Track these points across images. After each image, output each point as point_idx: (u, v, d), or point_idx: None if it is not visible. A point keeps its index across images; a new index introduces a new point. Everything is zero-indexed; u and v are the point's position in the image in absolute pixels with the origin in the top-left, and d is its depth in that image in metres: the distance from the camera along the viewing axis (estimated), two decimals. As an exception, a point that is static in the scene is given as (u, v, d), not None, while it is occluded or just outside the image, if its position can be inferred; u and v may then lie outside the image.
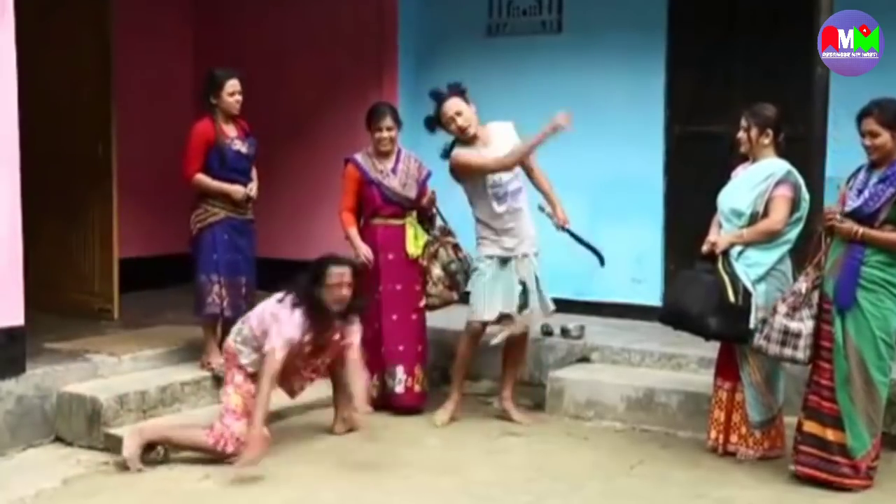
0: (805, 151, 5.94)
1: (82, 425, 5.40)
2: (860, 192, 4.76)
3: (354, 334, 5.32)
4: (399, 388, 5.98)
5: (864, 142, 4.78)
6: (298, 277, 5.17)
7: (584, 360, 6.51)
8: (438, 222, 6.24)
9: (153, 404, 5.50)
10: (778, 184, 5.07)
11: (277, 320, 5.05)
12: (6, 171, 5.26)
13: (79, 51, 6.94)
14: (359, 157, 6.09)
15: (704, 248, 5.18)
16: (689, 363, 6.25)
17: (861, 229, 4.66)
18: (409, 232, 6.06)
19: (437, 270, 6.00)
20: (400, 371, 5.97)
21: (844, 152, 6.18)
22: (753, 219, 5.10)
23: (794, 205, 5.11)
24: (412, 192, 6.08)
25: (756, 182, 5.12)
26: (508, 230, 5.78)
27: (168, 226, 7.49)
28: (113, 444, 5.26)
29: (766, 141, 5.16)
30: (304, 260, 5.47)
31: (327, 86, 8.11)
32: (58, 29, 6.90)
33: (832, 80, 5.76)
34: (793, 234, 5.15)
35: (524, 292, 5.79)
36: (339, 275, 5.13)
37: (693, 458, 5.31)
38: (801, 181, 5.18)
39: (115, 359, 5.89)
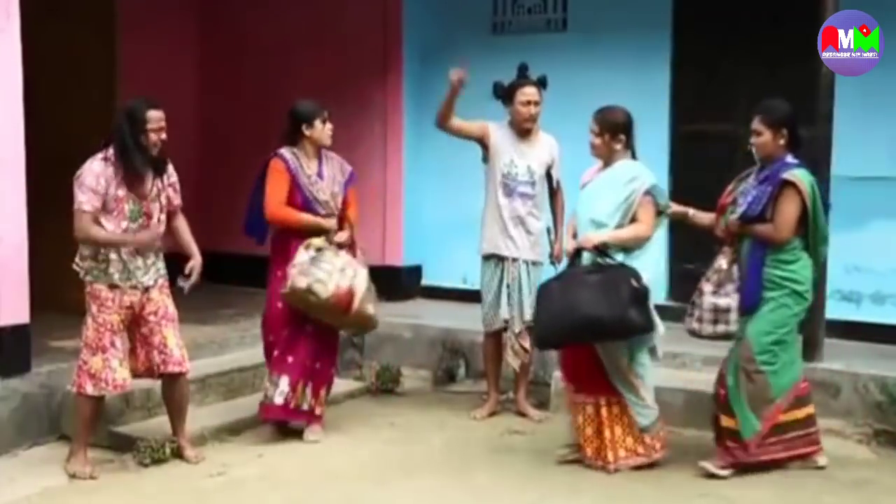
0: (811, 150, 5.95)
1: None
2: (745, 194, 4.93)
3: (177, 197, 5.14)
4: (278, 400, 5.42)
5: (751, 140, 4.93)
6: (115, 124, 4.90)
7: (589, 358, 6.50)
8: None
9: (158, 402, 5.50)
10: (646, 192, 5.02)
11: (76, 178, 4.84)
12: (12, 171, 5.28)
13: (84, 51, 6.95)
14: (287, 154, 5.51)
15: (576, 245, 5.05)
16: (693, 362, 6.25)
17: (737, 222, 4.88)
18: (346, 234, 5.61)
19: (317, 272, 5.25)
20: (284, 382, 5.43)
21: (850, 150, 6.22)
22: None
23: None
24: (339, 200, 5.60)
25: (619, 187, 5.05)
26: (506, 230, 5.80)
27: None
28: (118, 443, 5.29)
29: (619, 146, 5.11)
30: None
31: (332, 84, 8.09)
32: (62, 30, 6.91)
33: (837, 79, 5.77)
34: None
35: (509, 298, 5.85)
36: (158, 119, 4.87)
37: (697, 457, 5.31)
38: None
39: (121, 357, 5.89)
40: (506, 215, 5.82)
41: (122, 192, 4.89)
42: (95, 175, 4.84)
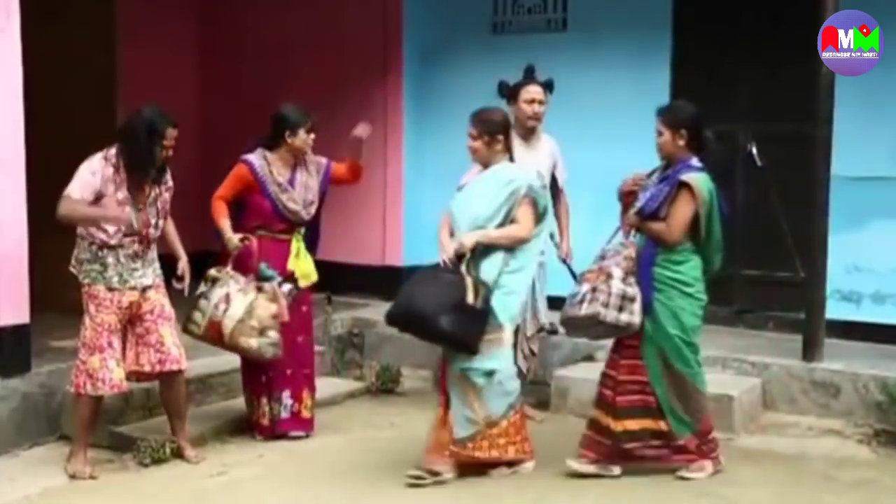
0: (811, 149, 5.96)
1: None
2: (646, 191, 4.95)
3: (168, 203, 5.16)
4: (285, 414, 5.49)
5: (656, 139, 4.96)
6: (131, 130, 4.92)
7: (589, 358, 6.51)
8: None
9: (157, 402, 5.49)
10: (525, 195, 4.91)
11: (76, 172, 4.89)
12: (12, 172, 5.28)
13: (84, 52, 6.95)
14: (256, 161, 5.41)
15: (451, 252, 4.88)
16: (693, 362, 6.24)
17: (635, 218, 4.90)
18: (294, 247, 5.47)
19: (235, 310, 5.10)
20: (286, 396, 5.50)
21: (850, 150, 6.23)
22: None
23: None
24: (311, 210, 5.51)
25: (497, 189, 4.93)
26: None
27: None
28: (118, 443, 5.29)
29: (498, 148, 4.99)
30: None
31: (332, 84, 8.11)
32: (63, 30, 6.91)
33: (837, 79, 5.77)
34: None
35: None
36: (173, 137, 4.94)
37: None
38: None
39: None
40: None
41: (122, 196, 4.90)
42: (92, 170, 4.87)
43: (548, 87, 5.87)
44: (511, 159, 5.05)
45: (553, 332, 6.60)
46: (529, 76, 5.85)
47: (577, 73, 7.29)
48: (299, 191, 5.45)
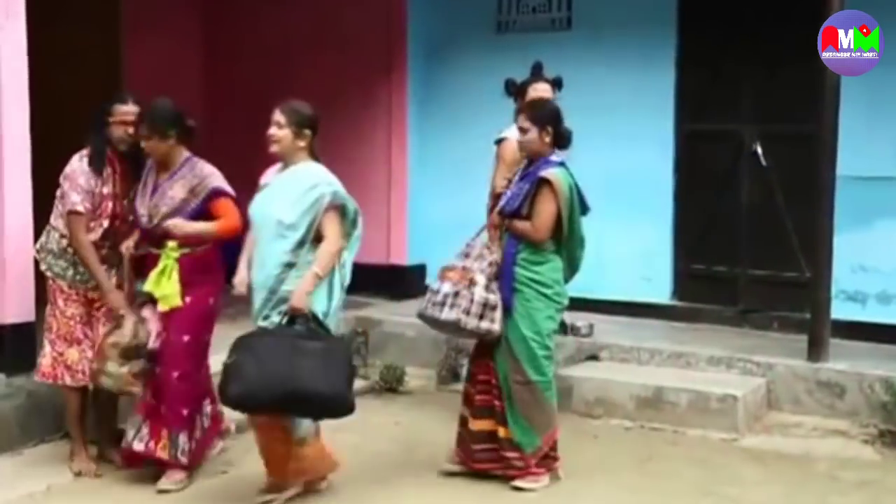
0: (816, 149, 5.96)
1: (93, 421, 5.40)
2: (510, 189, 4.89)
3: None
4: (138, 446, 4.82)
5: (519, 137, 4.88)
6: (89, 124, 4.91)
7: (593, 358, 6.51)
8: None
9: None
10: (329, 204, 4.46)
11: (66, 177, 4.83)
12: (18, 170, 5.28)
13: (89, 50, 6.97)
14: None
15: (243, 286, 4.60)
16: (698, 361, 6.25)
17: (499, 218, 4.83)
18: (162, 264, 4.77)
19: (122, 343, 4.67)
20: (142, 424, 4.85)
21: (855, 150, 6.22)
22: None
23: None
24: (155, 220, 4.80)
25: (300, 193, 4.45)
26: None
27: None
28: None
29: (302, 144, 4.51)
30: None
31: (336, 83, 8.11)
32: (68, 29, 6.92)
33: (843, 79, 5.76)
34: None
35: None
36: (124, 112, 4.84)
37: (702, 456, 5.31)
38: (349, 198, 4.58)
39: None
40: None
41: (106, 190, 4.89)
42: (85, 173, 4.84)
43: (556, 84, 5.84)
44: (316, 160, 4.57)
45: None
46: (537, 73, 5.82)
47: (582, 72, 7.27)
48: (154, 201, 4.83)
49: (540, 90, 5.73)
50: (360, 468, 5.11)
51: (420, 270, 8.11)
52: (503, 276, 4.76)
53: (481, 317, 4.67)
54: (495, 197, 5.04)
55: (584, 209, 4.88)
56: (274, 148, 4.52)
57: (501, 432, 4.81)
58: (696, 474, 5.05)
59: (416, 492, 4.82)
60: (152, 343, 4.76)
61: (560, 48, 7.37)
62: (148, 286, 4.77)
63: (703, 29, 7.13)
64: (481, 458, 4.88)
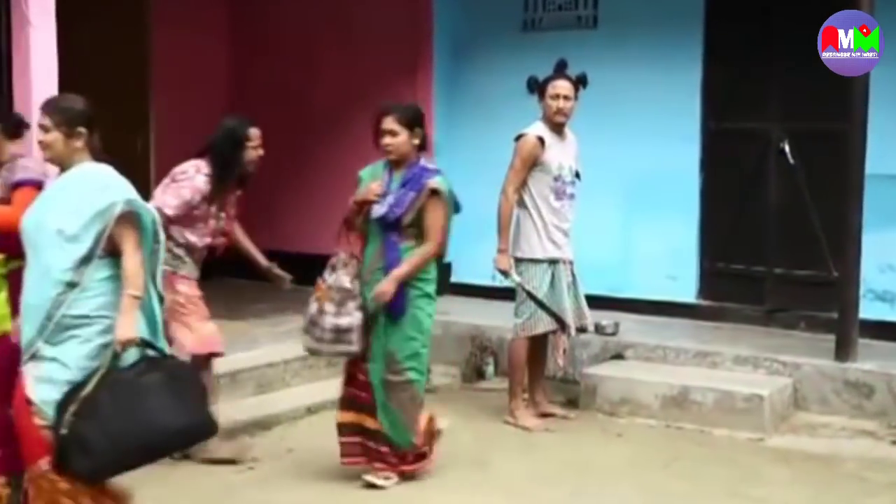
0: (845, 147, 5.91)
1: None
2: (384, 196, 4.74)
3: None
4: None
5: (383, 140, 4.77)
6: (216, 143, 4.97)
7: (619, 357, 6.49)
8: None
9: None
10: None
11: (175, 180, 4.89)
12: (48, 166, 5.31)
13: (117, 47, 7.02)
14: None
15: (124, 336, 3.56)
16: (724, 361, 6.21)
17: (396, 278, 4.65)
18: None
19: None
20: None
21: (884, 148, 6.16)
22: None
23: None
24: None
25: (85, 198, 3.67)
26: (557, 232, 5.74)
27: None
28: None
29: (78, 144, 3.81)
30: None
31: (360, 81, 8.12)
32: (96, 25, 6.97)
33: (872, 75, 5.72)
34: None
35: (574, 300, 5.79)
36: (258, 136, 5.00)
37: (728, 457, 5.28)
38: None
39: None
40: (557, 219, 5.74)
41: (214, 209, 4.97)
42: (199, 191, 4.89)
43: (580, 81, 5.82)
44: (96, 160, 3.85)
45: (582, 329, 6.60)
46: (559, 71, 5.80)
47: (608, 70, 7.25)
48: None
49: (558, 87, 5.72)
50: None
51: (445, 268, 8.10)
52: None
53: (336, 341, 4.67)
54: (360, 206, 4.81)
55: (458, 209, 4.95)
56: (46, 156, 3.84)
57: (370, 424, 4.79)
58: (722, 474, 5.02)
59: (441, 490, 4.81)
60: None
61: (586, 46, 7.35)
62: None
63: (729, 26, 7.09)
64: (350, 452, 4.86)
